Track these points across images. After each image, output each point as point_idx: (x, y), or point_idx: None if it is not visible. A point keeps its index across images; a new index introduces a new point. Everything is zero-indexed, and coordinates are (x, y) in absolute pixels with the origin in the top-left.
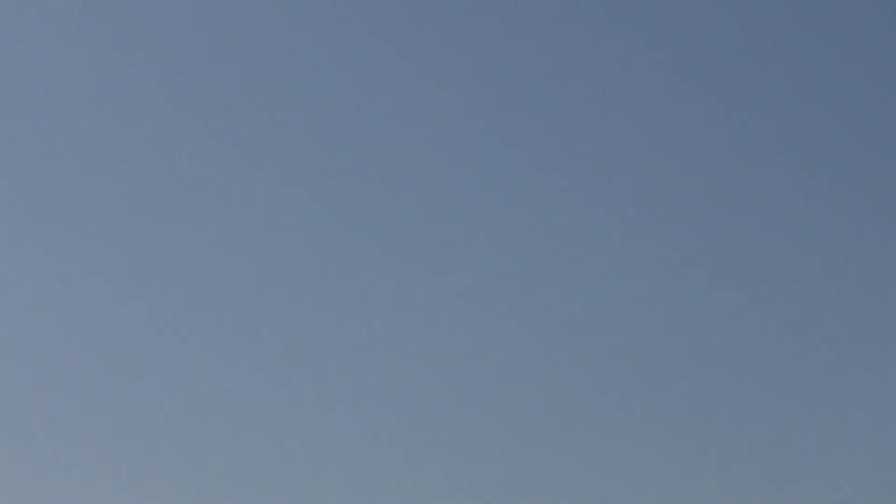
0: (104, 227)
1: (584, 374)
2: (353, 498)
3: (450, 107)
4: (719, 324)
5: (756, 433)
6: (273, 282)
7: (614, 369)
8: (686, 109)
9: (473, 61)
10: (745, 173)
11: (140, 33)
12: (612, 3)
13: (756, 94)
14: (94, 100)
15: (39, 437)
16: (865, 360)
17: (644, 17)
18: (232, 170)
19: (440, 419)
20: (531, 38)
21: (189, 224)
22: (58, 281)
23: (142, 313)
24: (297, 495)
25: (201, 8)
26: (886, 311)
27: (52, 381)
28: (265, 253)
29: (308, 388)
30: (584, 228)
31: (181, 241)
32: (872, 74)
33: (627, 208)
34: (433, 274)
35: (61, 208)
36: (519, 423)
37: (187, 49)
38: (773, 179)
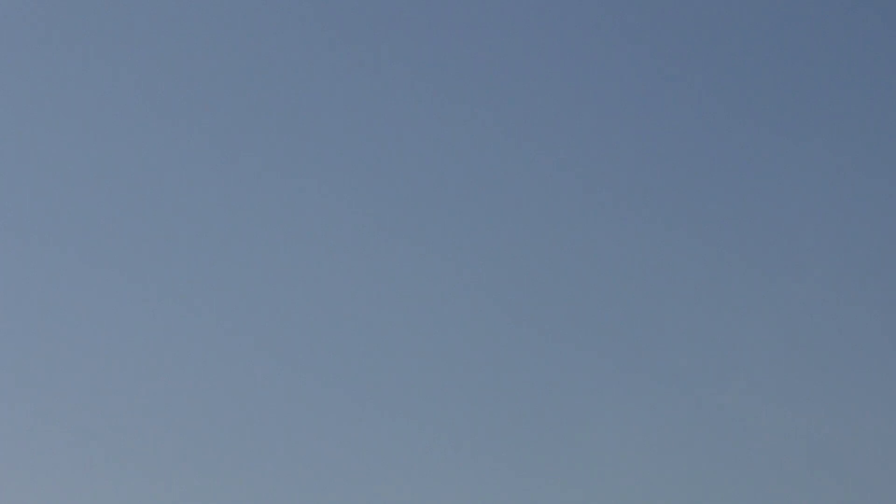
0: (107, 228)
1: (585, 370)
2: (353, 498)
3: (446, 106)
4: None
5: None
6: (271, 282)
7: (615, 364)
8: (684, 108)
9: (470, 62)
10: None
11: (138, 34)
12: (611, 4)
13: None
14: (95, 99)
15: (39, 438)
16: (867, 359)
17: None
18: (231, 170)
19: (440, 419)
20: (531, 38)
21: (189, 224)
22: (59, 281)
23: (142, 314)
24: (296, 496)
25: (199, 8)
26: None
27: (54, 382)
28: (263, 253)
29: (309, 388)
30: (584, 227)
31: (181, 242)
32: (873, 74)
33: (627, 210)
34: (432, 271)
35: (62, 208)
36: (519, 424)
37: (185, 49)
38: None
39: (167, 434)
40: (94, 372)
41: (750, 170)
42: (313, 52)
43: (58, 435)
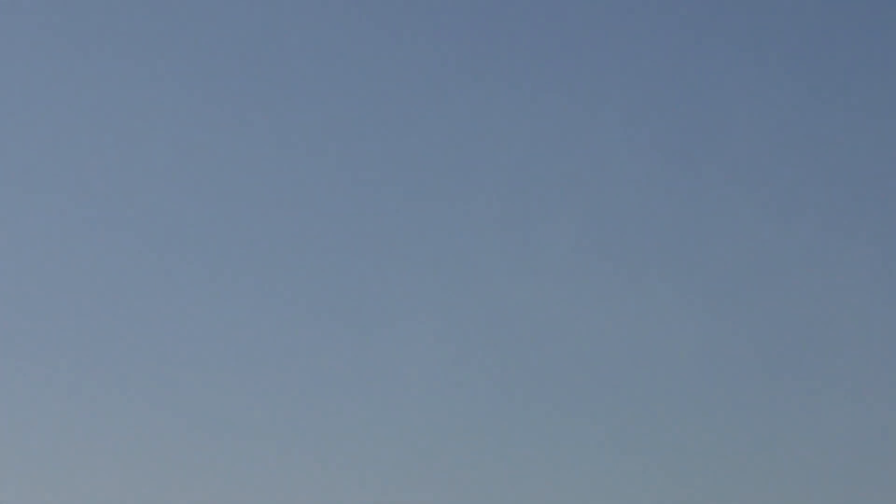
0: (107, 228)
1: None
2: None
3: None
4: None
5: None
6: (268, 283)
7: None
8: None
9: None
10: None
11: (141, 34)
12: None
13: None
14: (95, 99)
15: (41, 437)
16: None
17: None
18: (231, 170)
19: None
20: (530, 38)
21: (189, 225)
22: (61, 281)
23: (141, 314)
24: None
25: (201, 7)
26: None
27: (59, 383)
28: (261, 254)
29: (308, 390)
30: (582, 232)
31: (180, 243)
32: (872, 75)
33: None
34: (427, 276)
35: (63, 207)
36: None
37: (187, 49)
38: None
39: (166, 435)
40: (92, 371)
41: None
42: (319, 47)
43: (56, 435)
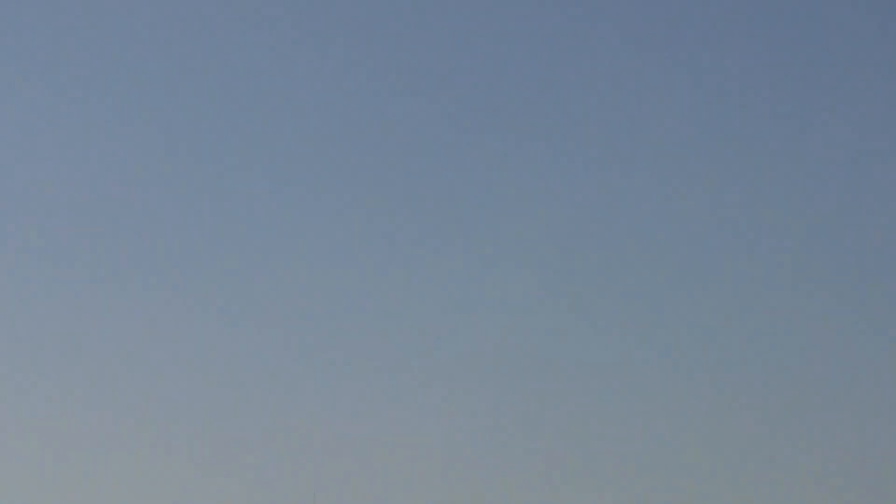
0: (107, 229)
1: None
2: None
3: (443, 107)
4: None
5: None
6: (270, 283)
7: (615, 367)
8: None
9: (467, 62)
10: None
11: (139, 32)
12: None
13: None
14: (94, 98)
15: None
16: (867, 360)
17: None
18: (231, 171)
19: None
20: (528, 38)
21: (190, 226)
22: (64, 281)
23: (143, 315)
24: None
25: (202, 8)
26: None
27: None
28: (263, 254)
29: (310, 388)
30: (582, 228)
31: (182, 243)
32: (872, 74)
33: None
34: (430, 273)
35: (62, 209)
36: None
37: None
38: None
39: (168, 435)
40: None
41: None
42: (310, 53)
43: (60, 436)
